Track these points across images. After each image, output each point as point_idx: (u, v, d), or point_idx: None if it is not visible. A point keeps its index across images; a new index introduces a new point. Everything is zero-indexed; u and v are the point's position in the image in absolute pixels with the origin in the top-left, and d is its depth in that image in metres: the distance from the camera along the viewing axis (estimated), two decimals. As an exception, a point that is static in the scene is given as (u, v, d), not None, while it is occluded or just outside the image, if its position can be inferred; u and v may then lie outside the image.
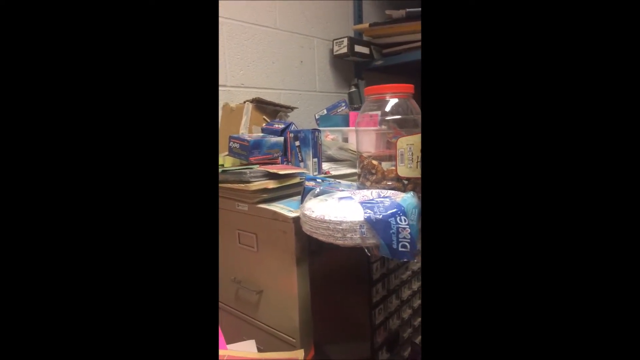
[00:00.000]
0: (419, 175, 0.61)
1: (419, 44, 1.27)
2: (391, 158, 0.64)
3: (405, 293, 0.60)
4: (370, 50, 1.44)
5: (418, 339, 0.63)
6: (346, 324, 0.56)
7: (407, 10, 1.29)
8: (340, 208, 0.51)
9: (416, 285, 0.63)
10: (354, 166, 0.88)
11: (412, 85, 0.66)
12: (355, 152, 0.74)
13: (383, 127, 0.66)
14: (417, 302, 0.63)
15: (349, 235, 0.47)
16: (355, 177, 0.73)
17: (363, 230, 0.47)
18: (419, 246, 0.47)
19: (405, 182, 0.63)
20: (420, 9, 1.19)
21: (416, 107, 0.66)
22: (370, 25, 1.41)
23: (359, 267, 0.52)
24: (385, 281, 0.55)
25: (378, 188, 0.63)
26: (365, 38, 1.49)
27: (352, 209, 0.50)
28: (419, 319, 0.64)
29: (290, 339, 0.66)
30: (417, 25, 1.27)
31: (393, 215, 0.46)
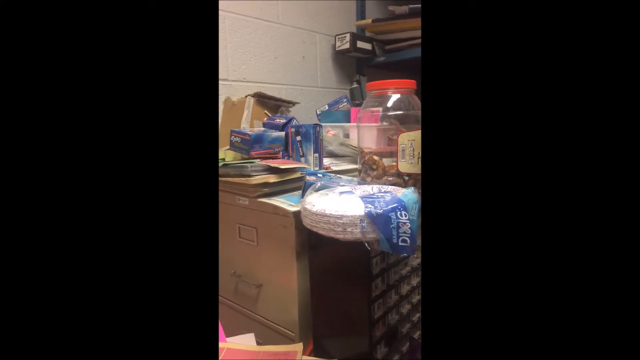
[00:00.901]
0: (420, 171, 0.61)
1: (422, 40, 1.26)
2: (392, 154, 0.64)
3: (405, 288, 0.60)
4: (373, 47, 1.43)
5: (416, 334, 0.63)
6: (345, 318, 0.56)
7: (410, 6, 1.29)
8: (341, 202, 0.51)
9: (415, 281, 0.63)
10: (354, 162, 0.88)
11: (414, 81, 0.66)
12: (356, 147, 0.74)
13: (384, 123, 0.66)
14: (415, 298, 0.64)
15: (349, 229, 0.47)
16: (356, 173, 0.73)
17: (363, 224, 0.47)
18: (419, 241, 0.47)
19: (406, 177, 0.63)
20: (423, 5, 1.19)
21: (418, 103, 0.65)
22: (373, 21, 1.40)
23: (358, 262, 0.52)
24: (384, 276, 0.55)
25: (379, 183, 0.63)
26: (367, 34, 1.48)
27: (352, 203, 0.50)
28: (418, 315, 0.64)
29: (289, 332, 0.66)
30: (419, 21, 1.27)
31: (394, 210, 0.46)
